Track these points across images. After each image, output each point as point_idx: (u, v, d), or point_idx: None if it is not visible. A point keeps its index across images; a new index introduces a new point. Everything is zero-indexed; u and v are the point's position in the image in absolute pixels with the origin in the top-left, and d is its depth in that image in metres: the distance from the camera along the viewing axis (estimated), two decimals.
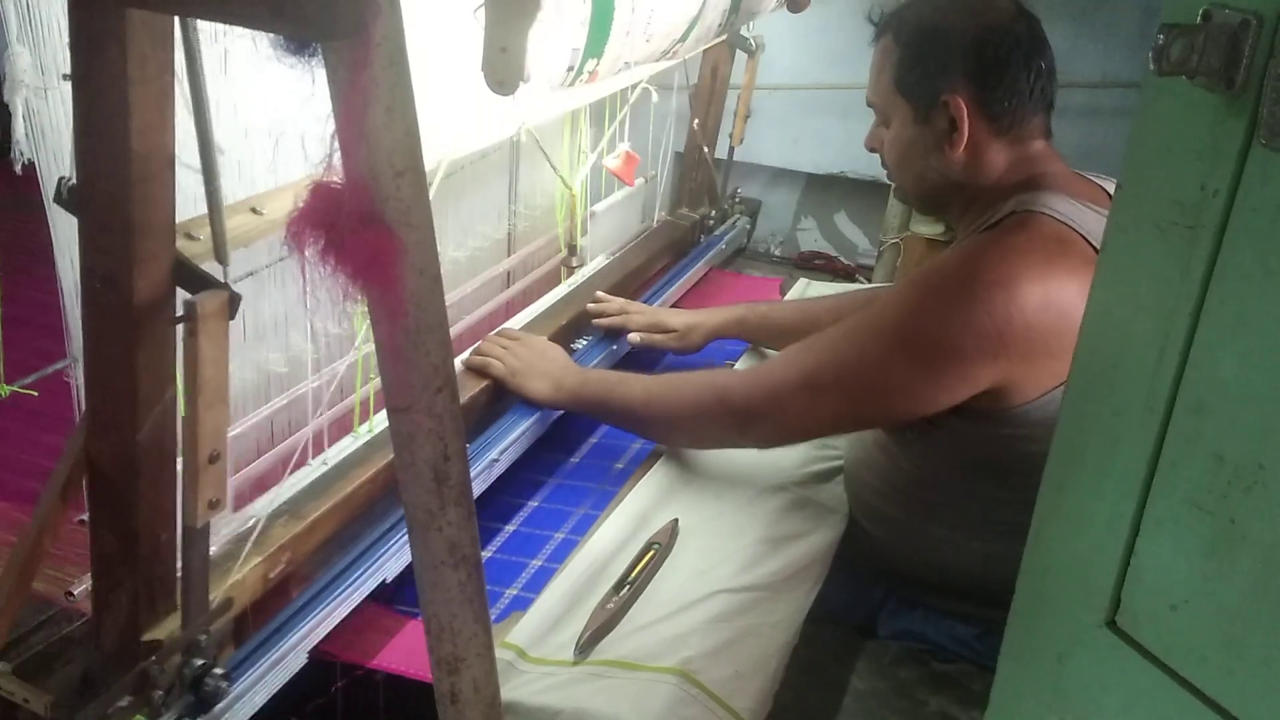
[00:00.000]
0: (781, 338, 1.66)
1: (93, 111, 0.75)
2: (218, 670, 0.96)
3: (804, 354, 1.30)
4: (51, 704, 1.18)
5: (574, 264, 1.78)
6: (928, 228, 2.59)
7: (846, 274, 2.67)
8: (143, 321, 0.82)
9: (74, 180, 0.81)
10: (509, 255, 1.81)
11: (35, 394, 1.10)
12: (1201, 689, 0.63)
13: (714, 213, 2.26)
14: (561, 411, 1.49)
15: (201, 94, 0.80)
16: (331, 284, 0.64)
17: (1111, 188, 1.27)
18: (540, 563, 1.30)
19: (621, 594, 1.21)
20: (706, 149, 2.24)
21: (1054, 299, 1.16)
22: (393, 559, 1.17)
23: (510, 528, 1.37)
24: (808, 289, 2.11)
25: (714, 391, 1.35)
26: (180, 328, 0.83)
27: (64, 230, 1.04)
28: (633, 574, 1.24)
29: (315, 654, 1.07)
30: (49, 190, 1.01)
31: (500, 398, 1.47)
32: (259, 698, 1.01)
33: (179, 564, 0.94)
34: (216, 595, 0.98)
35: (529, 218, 1.85)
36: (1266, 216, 0.56)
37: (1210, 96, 0.57)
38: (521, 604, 1.22)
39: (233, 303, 0.84)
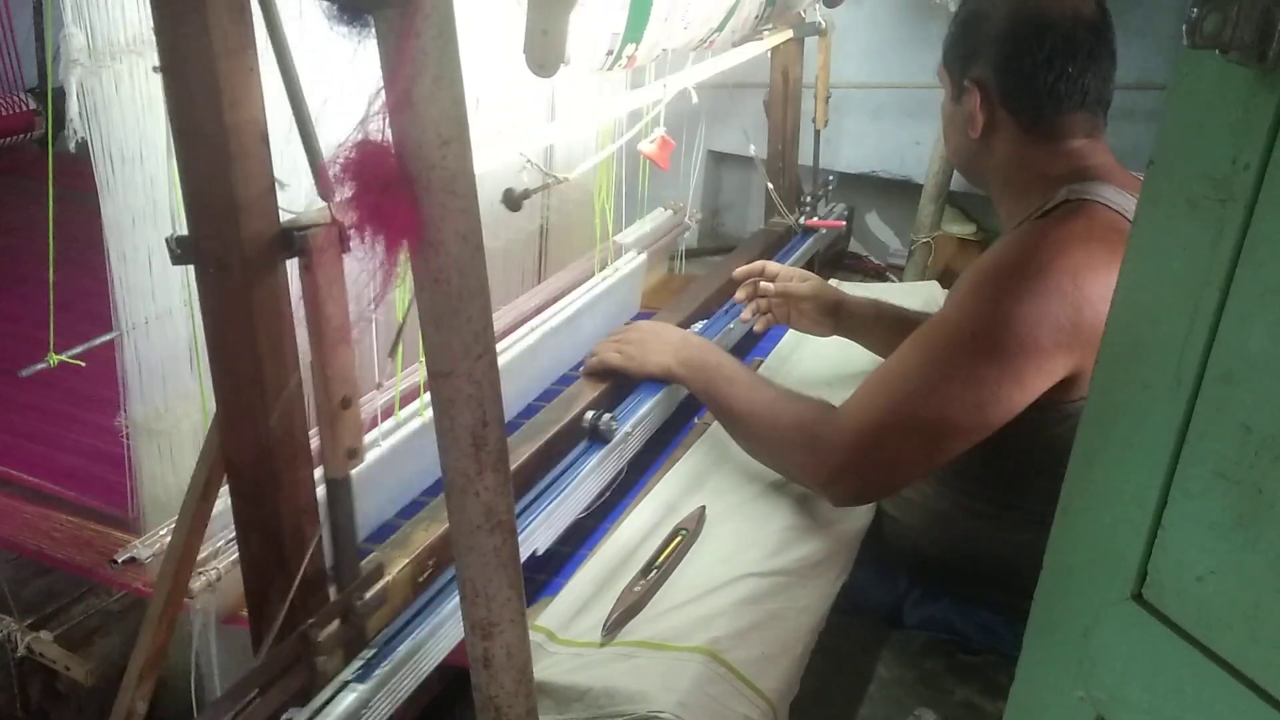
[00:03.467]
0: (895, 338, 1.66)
1: (183, 92, 0.77)
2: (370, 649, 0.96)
3: (884, 387, 1.22)
4: (90, 671, 1.21)
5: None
6: (959, 227, 2.59)
7: (877, 273, 2.67)
8: (258, 300, 0.82)
9: (178, 234, 0.82)
10: (541, 247, 1.84)
11: (83, 364, 1.12)
12: (1227, 659, 0.64)
13: (808, 205, 2.24)
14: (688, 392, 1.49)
15: (288, 59, 0.82)
16: (372, 245, 0.66)
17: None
18: (570, 549, 1.32)
19: (649, 578, 1.22)
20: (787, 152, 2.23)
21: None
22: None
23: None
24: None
25: (809, 434, 1.27)
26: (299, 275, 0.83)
27: (112, 210, 1.07)
28: (660, 558, 1.25)
29: None
30: (100, 166, 1.04)
31: (626, 388, 1.49)
32: (424, 664, 1.01)
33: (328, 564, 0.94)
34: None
35: (562, 210, 1.87)
36: None
37: (1243, 70, 0.58)
38: (552, 589, 1.24)
39: (343, 235, 0.83)
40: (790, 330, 1.83)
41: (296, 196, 0.91)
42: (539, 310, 1.67)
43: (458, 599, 1.04)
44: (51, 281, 1.17)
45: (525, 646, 0.83)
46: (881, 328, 1.66)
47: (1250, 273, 0.60)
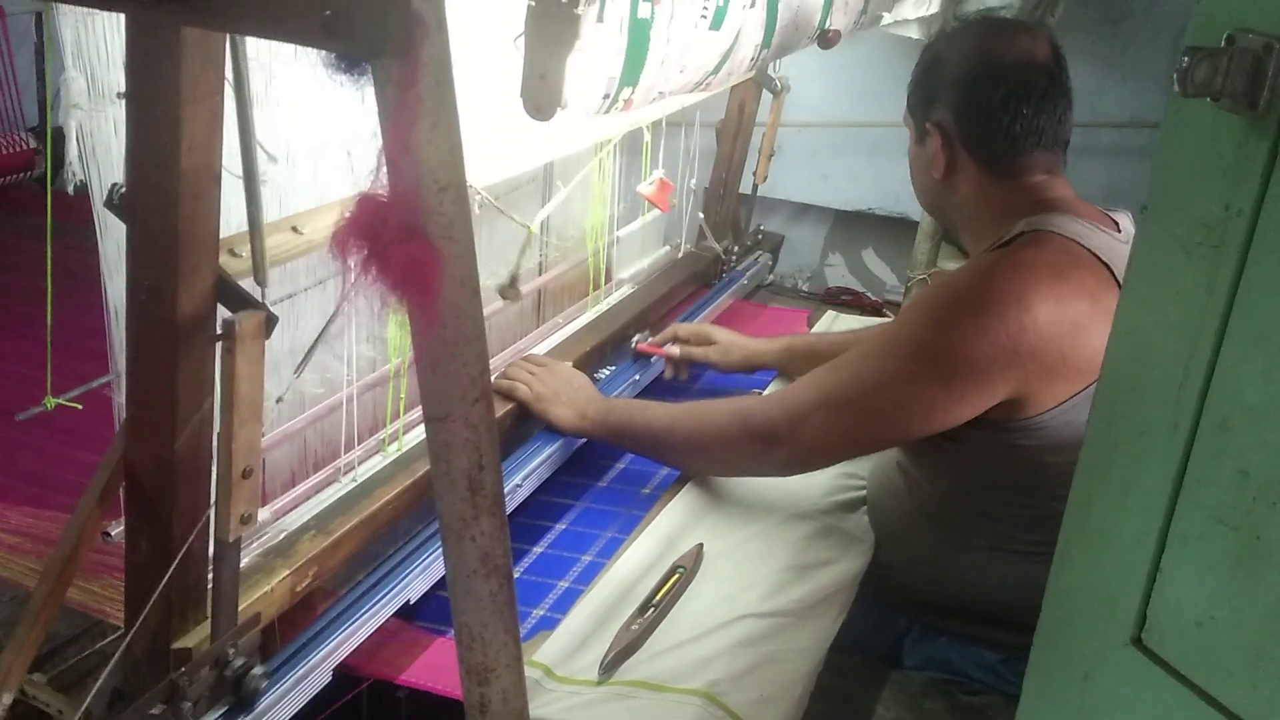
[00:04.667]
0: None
1: (145, 128, 0.79)
2: (257, 670, 0.97)
3: (823, 375, 1.32)
4: (85, 716, 1.20)
5: (509, 296, 1.70)
6: (955, 264, 2.60)
7: (874, 309, 2.67)
8: (184, 333, 0.85)
9: (125, 188, 0.84)
10: (539, 283, 1.84)
11: (79, 407, 1.12)
12: (1228, 706, 0.63)
13: (737, 248, 2.27)
14: (584, 440, 1.50)
15: (248, 114, 0.83)
16: (373, 295, 0.66)
17: (1122, 219, 1.31)
18: (567, 584, 1.31)
19: (646, 615, 1.22)
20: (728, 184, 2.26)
21: (1066, 312, 1.19)
22: (418, 578, 1.19)
23: (538, 549, 1.39)
24: (835, 322, 2.12)
25: (735, 415, 1.36)
26: (219, 346, 0.86)
27: (111, 249, 1.07)
28: (657, 596, 1.25)
29: (340, 669, 1.08)
30: (100, 211, 1.05)
31: (525, 421, 1.49)
32: (285, 712, 1.02)
33: (209, 575, 0.96)
34: (245, 607, 1.00)
35: (560, 247, 1.87)
36: None
37: (1234, 118, 0.59)
38: (549, 624, 1.23)
39: (269, 323, 0.87)
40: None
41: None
42: (538, 342, 1.67)
43: (339, 637, 1.07)
44: (50, 323, 1.17)
45: (522, 691, 0.83)
46: (796, 361, 1.73)
47: (1245, 318, 0.60)
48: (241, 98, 0.83)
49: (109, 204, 0.86)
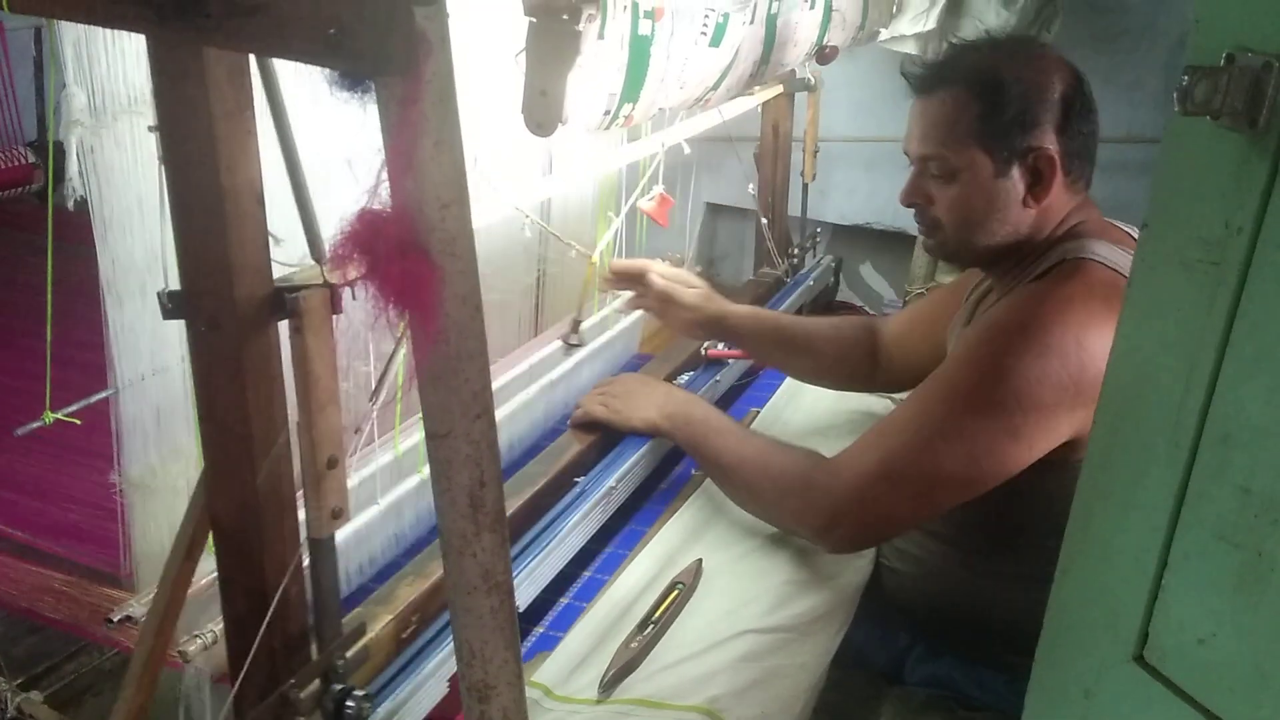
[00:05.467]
0: (773, 350, 1.71)
1: (180, 153, 0.77)
2: (358, 692, 0.94)
3: (877, 443, 1.23)
4: None
5: (573, 341, 1.75)
6: (952, 278, 2.60)
7: None
8: (249, 359, 0.82)
9: (169, 289, 0.82)
10: (537, 300, 1.84)
11: (78, 422, 1.12)
12: None
13: (796, 255, 2.27)
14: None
15: (286, 122, 0.82)
16: (375, 309, 0.66)
17: (1138, 234, 1.29)
18: (567, 600, 1.31)
19: (645, 633, 1.21)
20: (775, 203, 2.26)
21: None
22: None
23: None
24: None
25: (799, 480, 1.28)
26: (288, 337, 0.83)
27: (109, 264, 1.08)
28: (657, 613, 1.24)
29: None
30: (98, 222, 1.05)
31: (612, 440, 1.49)
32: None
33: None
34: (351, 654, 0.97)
35: (559, 263, 1.88)
36: None
37: (1234, 136, 0.59)
38: (548, 642, 1.23)
39: (334, 298, 0.84)
40: (785, 382, 1.85)
41: (292, 251, 0.91)
42: (535, 363, 1.67)
43: (440, 656, 1.05)
44: (49, 338, 1.17)
45: (523, 709, 0.82)
46: (759, 339, 1.69)
47: (1245, 335, 0.61)
48: (277, 109, 0.82)
49: (166, 314, 0.83)
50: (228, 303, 0.80)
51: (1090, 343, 1.14)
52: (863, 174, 2.81)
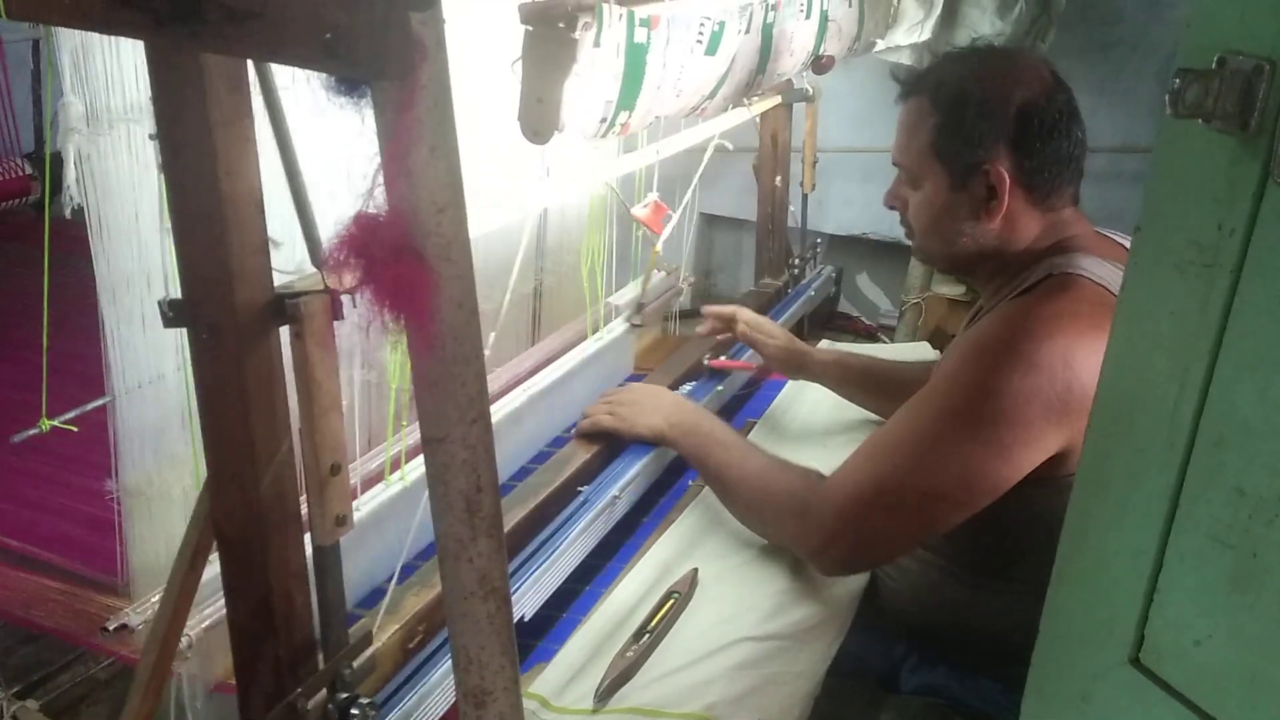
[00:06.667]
0: (872, 394, 1.74)
1: (180, 161, 0.77)
2: (365, 700, 0.94)
3: (867, 467, 1.23)
4: None
5: (636, 322, 1.88)
6: (949, 288, 2.61)
7: (868, 334, 2.68)
8: (251, 365, 0.82)
9: (171, 297, 0.82)
10: (535, 309, 1.84)
11: (74, 430, 1.12)
12: None
13: (796, 266, 2.29)
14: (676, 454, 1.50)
15: (285, 129, 0.83)
16: (371, 314, 0.66)
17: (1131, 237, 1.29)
18: (565, 615, 1.31)
19: (641, 642, 1.21)
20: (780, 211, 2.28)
21: None
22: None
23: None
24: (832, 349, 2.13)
25: (796, 500, 1.29)
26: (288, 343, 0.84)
27: (105, 273, 1.08)
28: (652, 622, 1.24)
29: None
30: (95, 231, 1.05)
31: (616, 450, 1.50)
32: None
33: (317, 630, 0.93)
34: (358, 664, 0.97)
35: (556, 273, 1.88)
36: None
37: (1225, 139, 0.59)
38: (546, 654, 1.22)
39: (335, 304, 0.84)
40: (785, 388, 1.86)
41: (290, 255, 0.91)
42: (532, 372, 1.67)
43: (447, 665, 1.04)
44: (45, 346, 1.17)
45: (519, 715, 0.82)
46: (846, 382, 1.74)
47: (1238, 337, 0.61)
48: (276, 115, 0.82)
49: (167, 322, 0.83)
50: (228, 310, 0.81)
51: (1077, 360, 1.13)
52: (859, 185, 2.82)
